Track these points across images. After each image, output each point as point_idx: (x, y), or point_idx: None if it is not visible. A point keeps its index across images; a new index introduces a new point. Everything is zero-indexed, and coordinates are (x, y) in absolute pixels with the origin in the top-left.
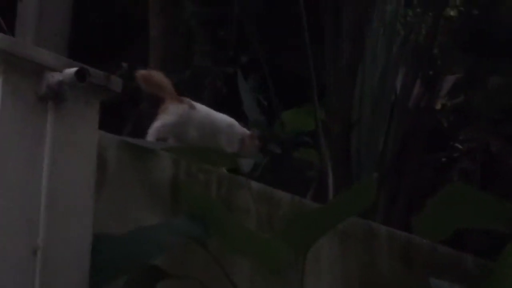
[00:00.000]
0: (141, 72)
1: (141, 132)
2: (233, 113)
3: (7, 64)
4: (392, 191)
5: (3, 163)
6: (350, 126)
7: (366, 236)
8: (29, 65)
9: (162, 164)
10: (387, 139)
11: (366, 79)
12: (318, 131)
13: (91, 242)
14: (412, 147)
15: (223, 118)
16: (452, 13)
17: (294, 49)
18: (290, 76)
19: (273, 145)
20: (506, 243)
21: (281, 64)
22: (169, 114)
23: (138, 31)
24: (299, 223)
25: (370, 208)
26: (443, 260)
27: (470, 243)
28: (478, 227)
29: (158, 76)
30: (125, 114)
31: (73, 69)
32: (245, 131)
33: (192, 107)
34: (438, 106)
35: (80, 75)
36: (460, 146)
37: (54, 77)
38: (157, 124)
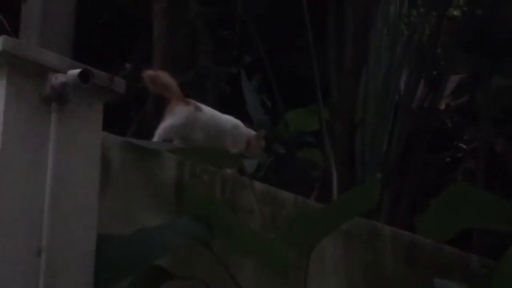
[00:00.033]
0: (148, 73)
1: (145, 133)
2: (237, 113)
3: (11, 65)
4: (396, 191)
5: (7, 164)
6: (354, 126)
7: (370, 236)
8: (33, 66)
9: (166, 165)
10: (391, 139)
11: (370, 79)
12: (322, 131)
13: (95, 243)
14: (416, 147)
15: (228, 119)
16: (455, 13)
17: (297, 49)
18: (293, 76)
19: (277, 145)
20: (511, 243)
21: (285, 65)
22: (175, 116)
23: (141, 31)
24: (303, 223)
25: (374, 208)
26: (448, 260)
27: (475, 243)
28: (482, 227)
29: (165, 77)
30: (129, 115)
31: (77, 71)
32: (251, 131)
33: (198, 109)
34: (442, 106)
35: (84, 76)
36: (464, 146)
37: (58, 79)
38: (164, 125)
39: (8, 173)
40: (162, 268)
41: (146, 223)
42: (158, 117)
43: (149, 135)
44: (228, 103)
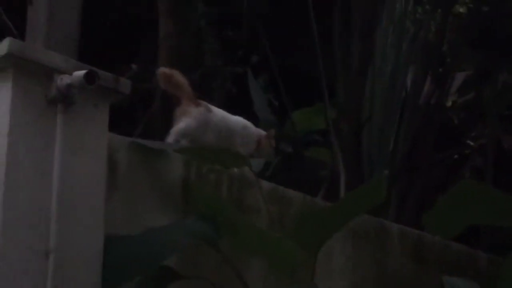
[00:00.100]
0: (163, 70)
1: (152, 133)
2: (244, 113)
3: (16, 67)
4: (404, 189)
5: (13, 166)
6: (360, 125)
7: (378, 234)
8: (38, 68)
9: (173, 165)
10: (397, 137)
11: (376, 77)
12: (329, 130)
13: (102, 244)
14: (423, 144)
15: (238, 120)
16: (461, 10)
17: (303, 48)
18: (300, 75)
19: (284, 144)
20: None
21: (291, 64)
22: (190, 117)
23: (147, 32)
24: (310, 222)
25: (382, 207)
26: (456, 257)
27: (483, 240)
28: (490, 224)
29: (178, 76)
30: (135, 116)
31: (82, 72)
32: (261, 131)
33: (208, 110)
34: (449, 103)
35: (89, 77)
36: (471, 143)
37: (64, 80)
38: (178, 127)
39: (15, 175)
40: (169, 268)
41: (153, 224)
42: (165, 117)
43: (156, 135)
44: (235, 103)
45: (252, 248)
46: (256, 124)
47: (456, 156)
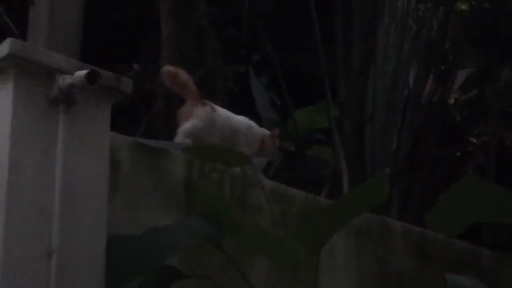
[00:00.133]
0: (168, 68)
1: (154, 133)
2: (246, 112)
3: (18, 68)
4: (407, 187)
5: (16, 166)
6: (363, 123)
7: (381, 232)
8: (40, 68)
9: (175, 165)
10: (400, 135)
11: (378, 75)
12: (332, 129)
13: (105, 244)
14: (425, 142)
15: (241, 120)
16: (463, 7)
17: (304, 47)
18: (302, 74)
19: (286, 143)
20: None
21: (293, 62)
22: (196, 117)
23: (149, 32)
24: (312, 220)
25: (385, 205)
26: (459, 255)
27: (486, 237)
28: (493, 221)
29: (183, 75)
30: (138, 115)
31: (84, 72)
32: (265, 131)
33: (213, 110)
34: (451, 101)
35: (91, 77)
36: (474, 141)
37: (65, 80)
38: (186, 127)
39: (17, 175)
40: (173, 267)
41: (156, 223)
42: (167, 117)
43: (158, 135)
44: (237, 102)
45: (255, 248)
46: (259, 123)
47: (458, 154)
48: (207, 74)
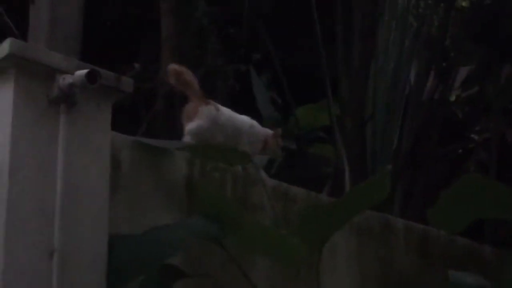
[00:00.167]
0: (174, 66)
1: (155, 132)
2: (247, 110)
3: (18, 67)
4: (408, 184)
5: (17, 166)
6: (364, 121)
7: (383, 230)
8: (40, 68)
9: (177, 164)
10: (401, 133)
11: (379, 73)
12: (333, 127)
13: (107, 243)
14: (426, 139)
15: (244, 119)
16: (463, 4)
17: (305, 46)
18: (303, 72)
19: (288, 141)
20: None
21: (294, 61)
22: (201, 117)
23: (149, 31)
24: (314, 218)
25: (387, 202)
26: (461, 252)
27: (488, 234)
28: (494, 218)
29: (188, 74)
30: (138, 115)
31: (84, 71)
32: (267, 130)
33: (217, 109)
34: (452, 98)
35: (91, 77)
36: (476, 137)
37: (65, 80)
38: (191, 127)
39: (18, 175)
40: (174, 266)
41: (157, 222)
42: (168, 117)
43: (159, 134)
44: (238, 101)
45: (256, 246)
46: (260, 122)
47: (460, 151)
48: (207, 73)
